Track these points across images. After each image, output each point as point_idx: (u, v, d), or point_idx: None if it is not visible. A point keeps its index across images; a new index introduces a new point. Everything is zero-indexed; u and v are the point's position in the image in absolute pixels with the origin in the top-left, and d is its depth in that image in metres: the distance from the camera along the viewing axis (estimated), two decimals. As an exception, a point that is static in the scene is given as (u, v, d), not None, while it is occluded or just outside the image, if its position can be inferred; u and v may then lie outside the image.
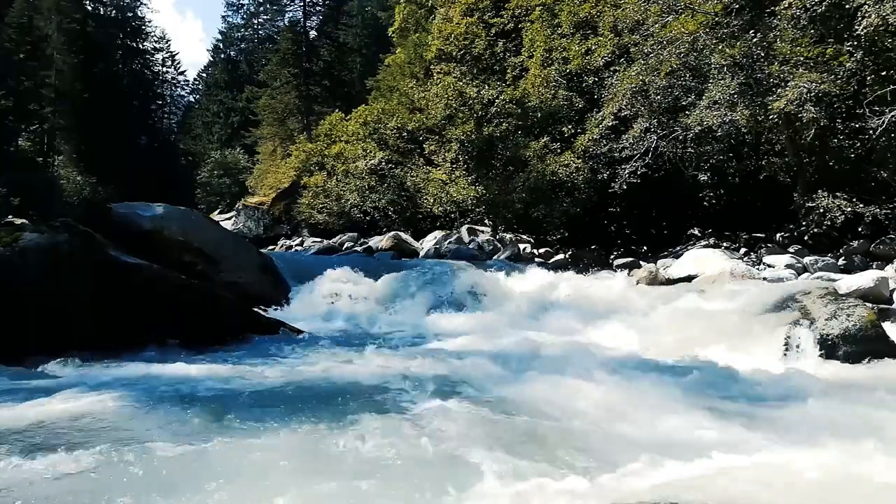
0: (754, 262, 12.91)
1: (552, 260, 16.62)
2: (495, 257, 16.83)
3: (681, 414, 5.00)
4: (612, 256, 16.09)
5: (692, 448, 4.24)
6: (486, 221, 19.99)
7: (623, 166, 15.61)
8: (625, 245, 17.19)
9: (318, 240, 25.13)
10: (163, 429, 4.58)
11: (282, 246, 27.27)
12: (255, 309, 9.61)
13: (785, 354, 7.34)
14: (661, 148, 15.23)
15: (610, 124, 16.51)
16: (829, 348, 7.27)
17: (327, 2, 50.88)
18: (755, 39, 13.17)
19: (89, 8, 42.98)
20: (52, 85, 27.43)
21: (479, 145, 18.60)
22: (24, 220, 8.66)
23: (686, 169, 15.49)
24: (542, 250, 17.83)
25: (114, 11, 47.31)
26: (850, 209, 12.63)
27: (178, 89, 58.94)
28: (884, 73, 12.17)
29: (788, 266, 12.11)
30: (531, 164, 17.80)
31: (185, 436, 4.39)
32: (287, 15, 54.11)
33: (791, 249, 13.50)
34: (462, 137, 18.82)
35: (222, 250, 11.49)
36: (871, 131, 12.21)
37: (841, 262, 12.49)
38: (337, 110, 30.11)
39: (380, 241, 20.61)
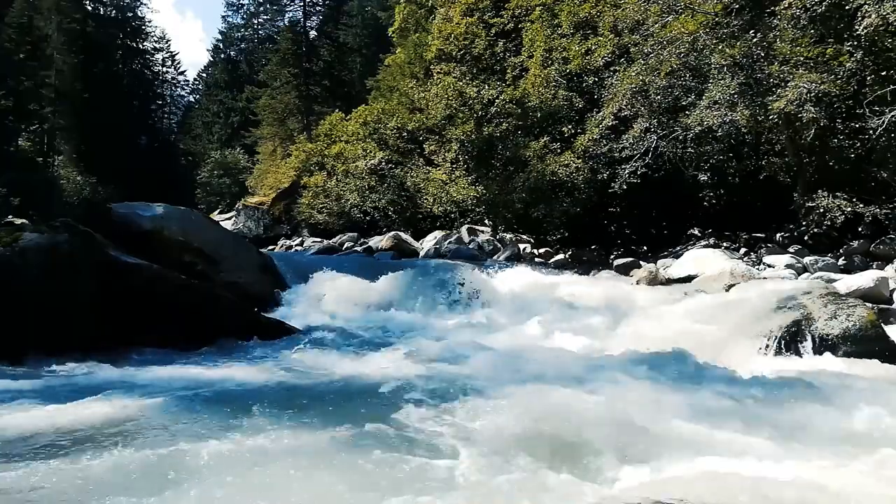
0: (754, 262, 12.90)
1: (552, 260, 16.63)
2: (495, 257, 16.82)
3: (679, 414, 5.00)
4: (612, 256, 16.07)
5: (690, 448, 4.25)
6: (486, 221, 19.99)
7: (623, 166, 15.59)
8: (625, 245, 17.17)
9: (318, 240, 25.13)
10: (163, 428, 4.60)
11: (282, 246, 27.26)
12: (255, 309, 9.61)
13: (785, 354, 7.35)
14: (661, 148, 15.23)
15: (610, 124, 16.48)
16: (830, 348, 7.28)
17: (327, 2, 50.88)
18: (755, 39, 13.16)
19: (89, 8, 42.96)
20: (52, 85, 27.39)
21: (479, 145, 18.60)
22: (24, 220, 8.67)
23: (686, 169, 15.48)
24: (542, 250, 17.82)
25: (114, 11, 47.30)
26: (850, 209, 12.61)
27: (178, 89, 59.03)
28: (884, 73, 12.16)
29: (788, 266, 12.11)
30: (531, 164, 17.79)
31: (186, 435, 4.41)
32: (287, 15, 54.22)
33: (791, 249, 13.49)
34: (462, 137, 18.81)
35: (222, 250, 11.50)
36: (871, 131, 12.20)
37: (841, 262, 12.48)
38: (337, 110, 30.07)
39: (380, 241, 20.60)
